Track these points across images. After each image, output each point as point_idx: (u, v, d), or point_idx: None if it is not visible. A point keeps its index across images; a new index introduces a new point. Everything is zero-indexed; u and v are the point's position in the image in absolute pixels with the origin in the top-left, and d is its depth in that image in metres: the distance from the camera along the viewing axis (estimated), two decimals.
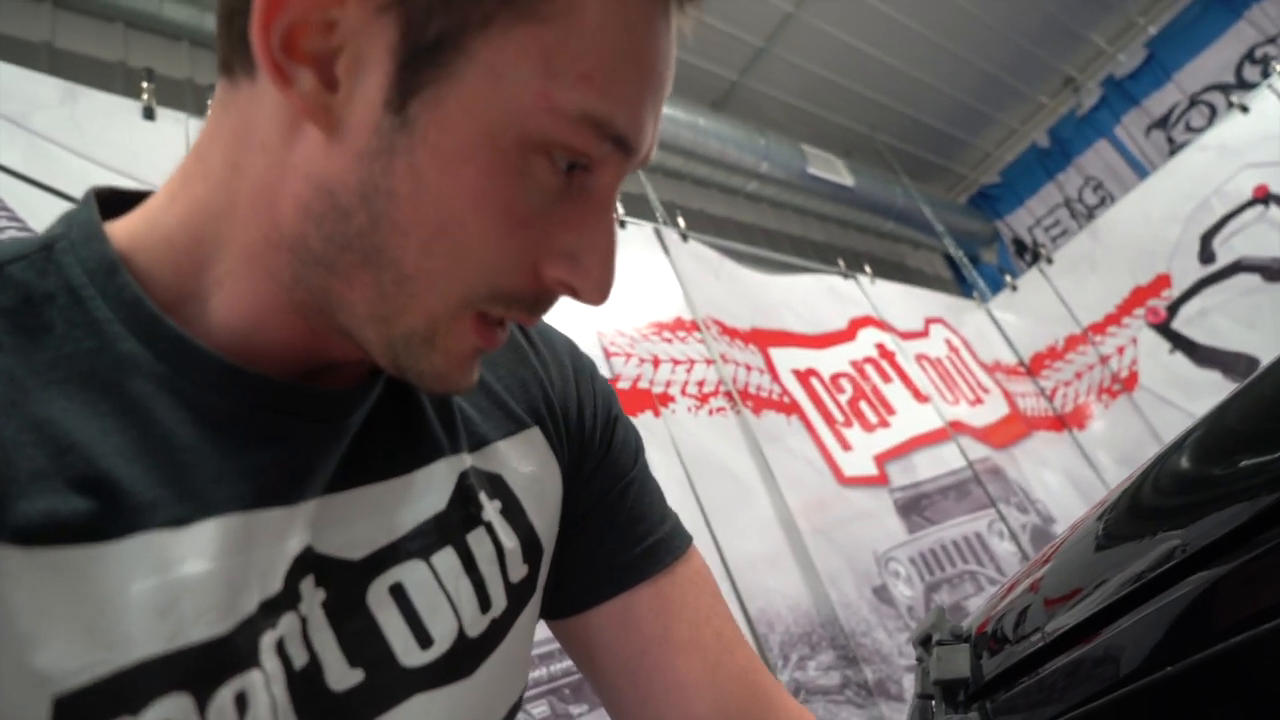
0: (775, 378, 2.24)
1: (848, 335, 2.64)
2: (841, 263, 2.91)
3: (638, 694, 0.55)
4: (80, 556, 0.32)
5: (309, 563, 0.39)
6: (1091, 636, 0.43)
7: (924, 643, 0.65)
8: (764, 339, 2.33)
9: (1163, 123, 3.95)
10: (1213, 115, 3.72)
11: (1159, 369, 2.95)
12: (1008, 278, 3.45)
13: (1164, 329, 2.96)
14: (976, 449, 2.61)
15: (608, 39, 0.36)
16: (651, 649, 0.55)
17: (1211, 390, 2.82)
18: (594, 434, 0.58)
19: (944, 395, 2.74)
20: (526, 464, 0.52)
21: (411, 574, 0.43)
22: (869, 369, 2.57)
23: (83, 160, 1.37)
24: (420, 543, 0.44)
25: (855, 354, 2.58)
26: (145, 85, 1.55)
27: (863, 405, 2.43)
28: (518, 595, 0.49)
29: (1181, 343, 2.91)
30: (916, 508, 2.23)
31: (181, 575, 0.33)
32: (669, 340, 2.05)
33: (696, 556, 0.59)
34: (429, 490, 0.46)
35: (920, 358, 2.80)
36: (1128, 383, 3.02)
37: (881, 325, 2.78)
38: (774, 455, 1.98)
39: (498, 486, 0.50)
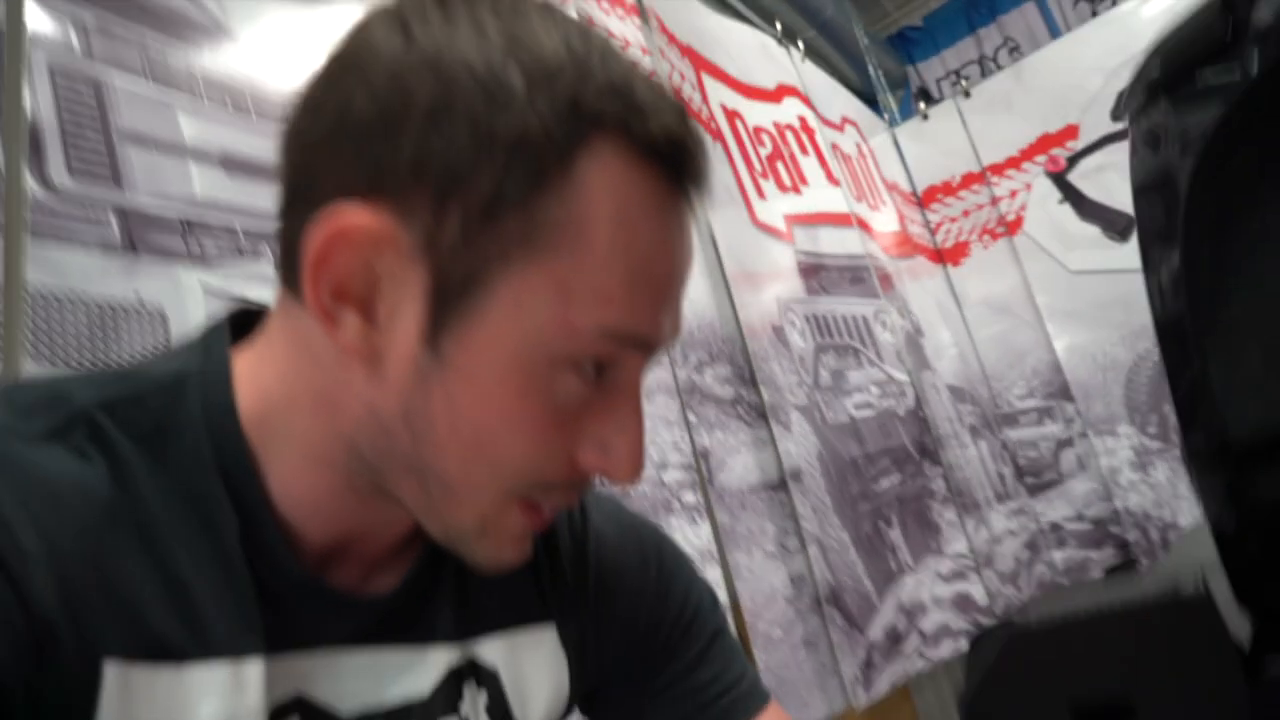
0: (705, 100, 2.00)
1: (774, 97, 2.42)
2: (778, 26, 2.66)
3: None
4: (171, 674, 0.37)
5: (294, 706, 0.43)
6: None
7: (1151, 89, 0.44)
8: (699, 61, 2.06)
9: None
10: None
11: (1044, 217, 2.97)
12: (921, 105, 3.34)
13: (1059, 178, 2.97)
14: (872, 245, 2.53)
15: (618, 260, 0.38)
16: None
17: (1087, 244, 2.88)
18: (655, 628, 0.59)
19: (850, 188, 2.62)
20: (528, 663, 0.53)
21: None
22: (789, 135, 2.38)
23: None
24: (396, 718, 0.47)
25: (779, 117, 2.38)
26: None
27: (779, 165, 2.25)
28: None
29: (1072, 194, 2.94)
30: (816, 275, 2.12)
31: (241, 703, 0.38)
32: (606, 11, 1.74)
33: (777, 710, 0.60)
34: (419, 672, 0.48)
35: (835, 147, 2.65)
36: (1012, 226, 3.04)
37: (806, 100, 2.58)
38: None
39: (489, 681, 0.51)
